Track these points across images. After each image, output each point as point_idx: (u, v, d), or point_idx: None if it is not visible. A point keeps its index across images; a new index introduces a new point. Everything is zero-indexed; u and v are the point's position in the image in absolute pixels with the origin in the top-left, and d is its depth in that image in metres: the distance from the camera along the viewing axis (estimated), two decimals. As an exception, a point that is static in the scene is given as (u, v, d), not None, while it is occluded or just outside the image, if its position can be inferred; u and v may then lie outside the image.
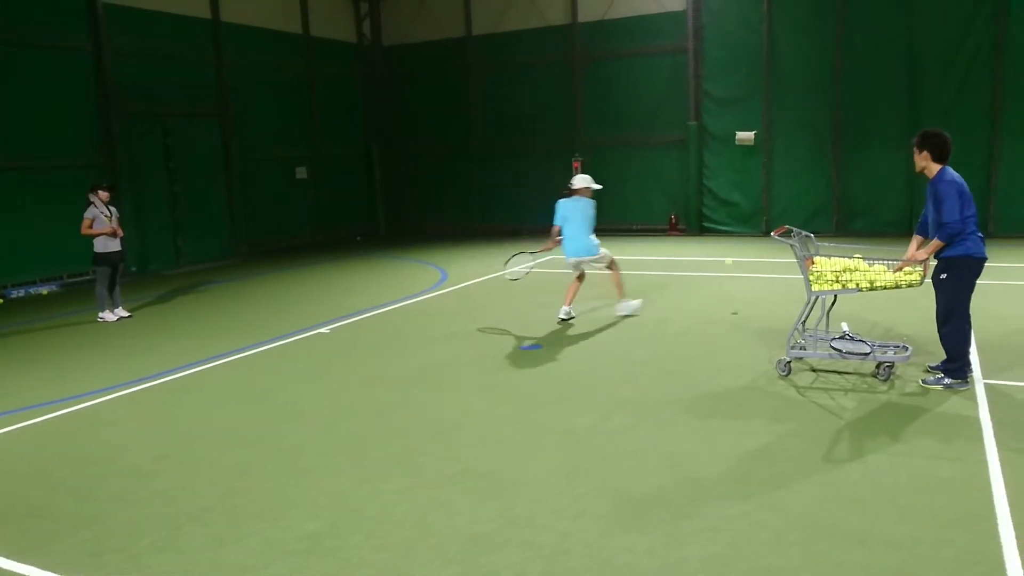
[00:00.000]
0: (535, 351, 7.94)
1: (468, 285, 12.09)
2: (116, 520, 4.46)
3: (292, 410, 6.41)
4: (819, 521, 4.07)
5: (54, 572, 3.91)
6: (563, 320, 9.17)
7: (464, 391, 6.71)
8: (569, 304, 9.30)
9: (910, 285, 6.19)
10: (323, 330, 9.32)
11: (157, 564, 3.95)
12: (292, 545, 4.08)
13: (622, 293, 9.46)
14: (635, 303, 9.45)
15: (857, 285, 6.25)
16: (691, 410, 5.91)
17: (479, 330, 8.99)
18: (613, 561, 3.78)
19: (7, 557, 4.09)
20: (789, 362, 6.62)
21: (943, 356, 6.19)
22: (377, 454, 5.32)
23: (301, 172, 19.17)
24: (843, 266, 6.35)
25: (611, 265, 9.39)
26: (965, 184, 5.96)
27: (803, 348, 6.68)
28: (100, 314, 10.44)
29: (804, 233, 6.76)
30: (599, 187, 9.46)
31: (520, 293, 11.30)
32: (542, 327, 8.96)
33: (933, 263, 6.12)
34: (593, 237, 9.17)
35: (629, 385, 6.62)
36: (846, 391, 6.18)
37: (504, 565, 3.78)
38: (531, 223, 19.69)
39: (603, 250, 9.24)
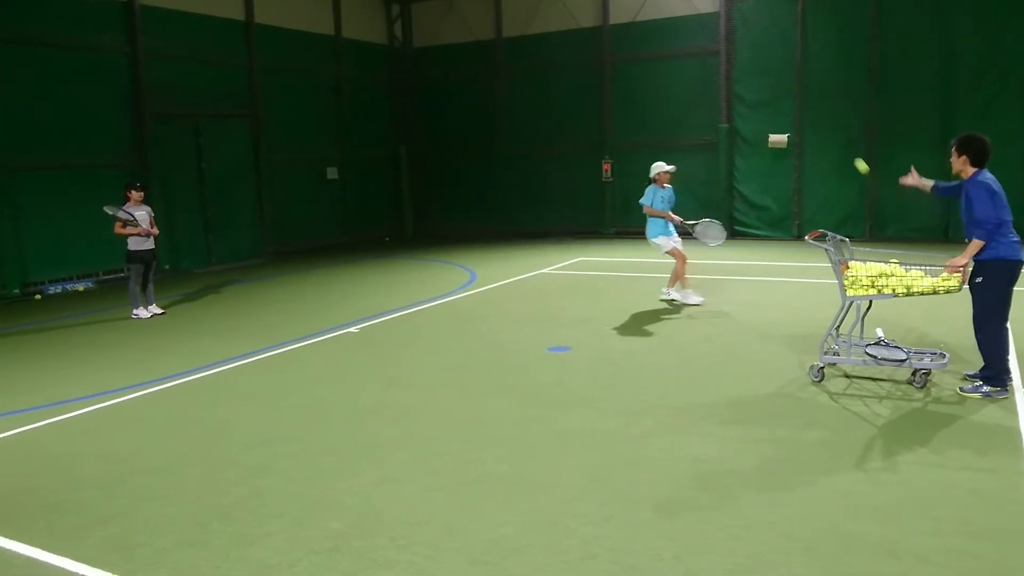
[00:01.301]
0: (561, 354, 7.90)
1: (496, 287, 12.09)
2: (143, 516, 4.51)
3: (317, 410, 6.44)
4: (848, 531, 3.99)
5: (85, 564, 3.97)
6: (667, 301, 10.20)
7: (489, 393, 6.69)
8: (670, 286, 10.23)
9: (948, 291, 6.06)
10: (352, 329, 9.36)
11: (184, 560, 3.98)
12: (317, 544, 4.09)
13: (671, 283, 10.25)
14: (676, 294, 10.15)
15: (893, 290, 6.13)
16: (718, 416, 5.84)
17: (506, 332, 8.97)
18: (639, 566, 3.74)
19: (42, 548, 4.15)
20: (822, 368, 6.52)
21: (982, 364, 6.06)
22: (401, 455, 5.32)
23: (332, 172, 19.32)
24: (879, 271, 6.24)
25: (671, 253, 10.17)
26: (999, 186, 5.88)
27: (836, 354, 6.58)
28: (134, 311, 10.60)
29: (838, 237, 6.65)
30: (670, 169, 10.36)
31: (550, 294, 11.28)
32: (569, 330, 8.92)
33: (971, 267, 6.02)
34: (651, 225, 10.25)
35: (655, 390, 6.56)
36: (880, 398, 6.07)
37: (529, 569, 3.75)
38: (558, 226, 19.69)
39: (657, 239, 10.21)
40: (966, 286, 6.08)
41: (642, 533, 4.06)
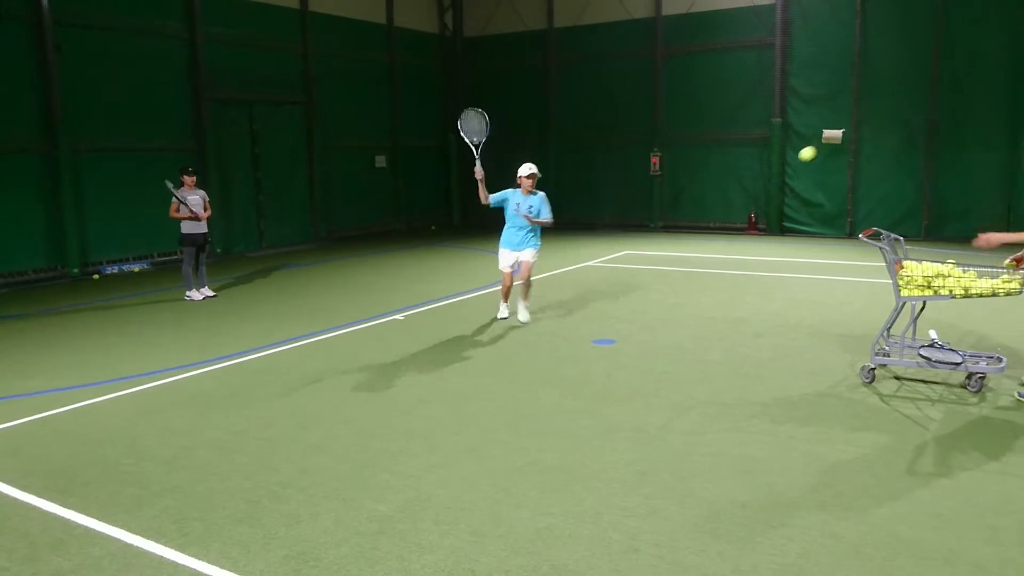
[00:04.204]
0: (608, 346, 7.88)
1: (542, 278, 12.08)
2: (198, 491, 4.64)
3: (368, 393, 6.53)
4: (900, 537, 3.92)
5: (140, 535, 4.10)
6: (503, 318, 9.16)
7: (535, 383, 6.71)
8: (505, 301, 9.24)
9: (1008, 294, 5.88)
10: (398, 317, 9.46)
11: (236, 535, 4.08)
12: (364, 526, 4.16)
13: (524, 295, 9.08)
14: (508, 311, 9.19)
15: (950, 292, 5.97)
16: (766, 414, 5.77)
17: (552, 323, 8.97)
18: (683, 562, 3.72)
19: (100, 519, 4.30)
20: (873, 369, 6.39)
21: (1041, 370, 5.86)
22: (447, 441, 5.38)
23: (380, 160, 19.51)
24: (935, 271, 6.08)
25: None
26: None
27: (888, 355, 6.44)
28: (187, 293, 10.87)
29: (893, 236, 6.50)
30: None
31: (596, 287, 11.24)
32: (616, 322, 8.89)
33: None
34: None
35: (703, 386, 6.51)
36: (933, 401, 5.93)
37: (571, 560, 3.77)
38: (606, 218, 19.60)
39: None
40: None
41: (687, 529, 4.04)
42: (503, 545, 3.92)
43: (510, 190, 8.94)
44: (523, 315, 8.91)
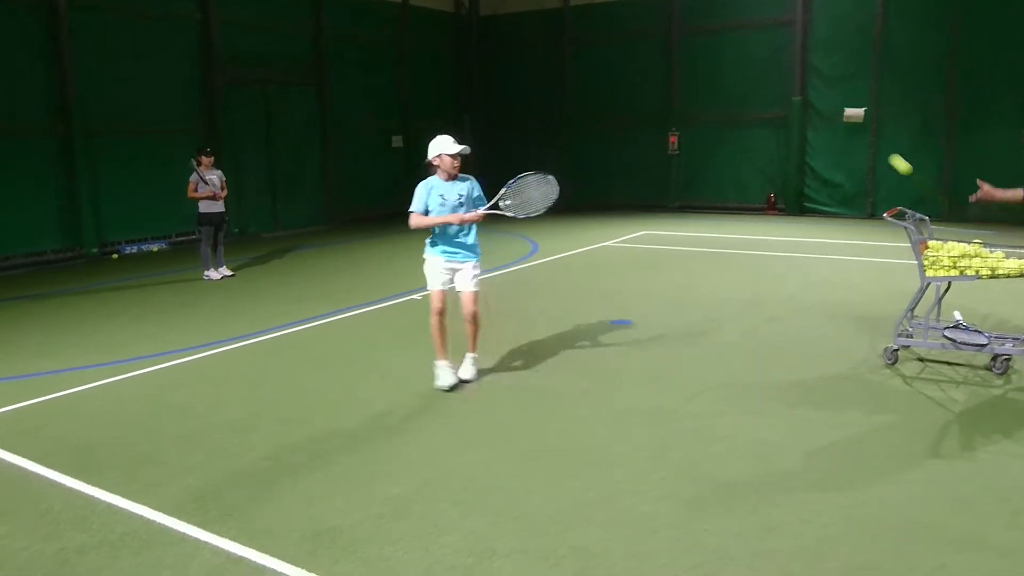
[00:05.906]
0: (624, 327, 7.84)
1: (558, 258, 12.04)
2: (216, 471, 4.66)
3: (383, 374, 6.54)
4: (919, 520, 3.88)
5: (162, 512, 4.13)
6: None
7: (550, 365, 6.68)
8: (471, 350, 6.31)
9: (1034, 275, 5.78)
10: (415, 296, 9.46)
11: (254, 515, 4.10)
12: (380, 507, 4.16)
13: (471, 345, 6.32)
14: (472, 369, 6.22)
15: (977, 272, 5.87)
16: (783, 396, 5.72)
17: (569, 303, 8.93)
18: (702, 544, 3.70)
19: (122, 496, 4.33)
20: (896, 350, 6.31)
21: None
22: (463, 423, 5.37)
23: (397, 140, 19.42)
24: (961, 251, 5.98)
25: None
26: None
27: (911, 336, 6.36)
28: (205, 272, 10.93)
29: (918, 216, 6.40)
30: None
31: (613, 267, 11.18)
32: (633, 303, 8.84)
33: None
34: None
35: (717, 368, 6.46)
36: (956, 383, 5.86)
37: (590, 541, 3.76)
38: (622, 199, 19.46)
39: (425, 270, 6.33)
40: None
41: (704, 512, 4.02)
42: (522, 527, 3.91)
43: (424, 185, 6.20)
44: (468, 371, 6.14)
